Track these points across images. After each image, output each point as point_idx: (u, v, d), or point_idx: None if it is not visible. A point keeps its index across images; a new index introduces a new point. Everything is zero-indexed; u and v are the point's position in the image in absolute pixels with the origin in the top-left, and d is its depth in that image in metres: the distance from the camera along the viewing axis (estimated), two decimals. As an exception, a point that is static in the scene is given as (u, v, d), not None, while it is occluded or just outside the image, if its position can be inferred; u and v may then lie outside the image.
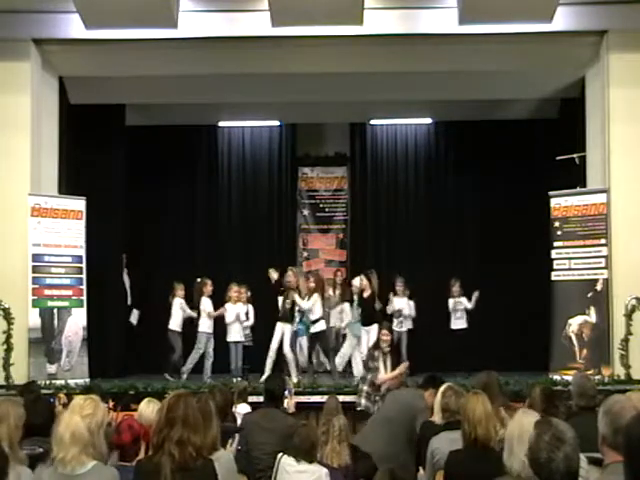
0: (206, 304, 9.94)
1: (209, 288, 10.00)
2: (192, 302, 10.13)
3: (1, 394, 7.78)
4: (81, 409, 3.44)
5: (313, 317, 9.77)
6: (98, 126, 10.49)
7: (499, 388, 5.08)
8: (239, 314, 10.00)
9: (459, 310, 10.64)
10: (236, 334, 9.96)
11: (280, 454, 4.71)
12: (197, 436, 3.29)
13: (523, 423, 3.21)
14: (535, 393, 4.93)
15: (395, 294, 10.78)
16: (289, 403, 6.83)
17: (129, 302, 11.17)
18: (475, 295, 10.55)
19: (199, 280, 10.11)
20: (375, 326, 9.34)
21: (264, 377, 8.94)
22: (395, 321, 10.69)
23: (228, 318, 9.94)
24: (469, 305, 10.63)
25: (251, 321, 10.28)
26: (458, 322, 10.65)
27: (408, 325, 10.69)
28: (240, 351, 10.00)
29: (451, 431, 4.36)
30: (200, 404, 3.71)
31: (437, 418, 5.15)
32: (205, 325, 9.89)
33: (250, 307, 10.27)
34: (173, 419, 3.26)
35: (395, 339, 10.64)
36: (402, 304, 10.70)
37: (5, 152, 9.10)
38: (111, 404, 6.00)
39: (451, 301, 10.68)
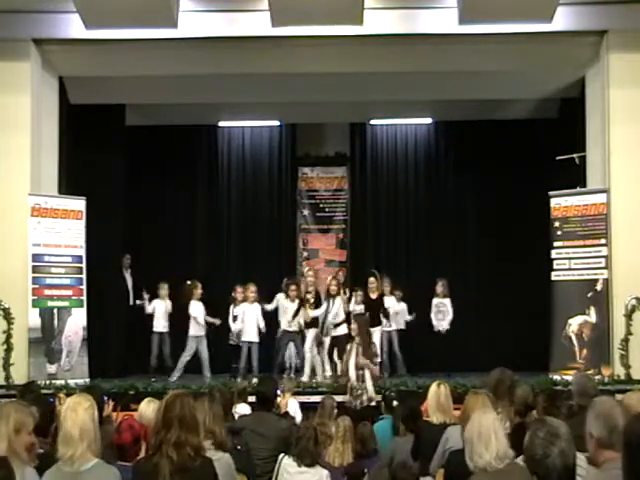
0: (195, 308, 9.91)
1: (199, 291, 9.96)
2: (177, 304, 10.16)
3: (1, 394, 7.80)
4: (80, 405, 3.46)
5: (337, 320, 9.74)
6: (98, 126, 10.48)
7: (511, 385, 5.07)
8: (257, 314, 9.96)
9: (441, 311, 10.51)
10: (253, 334, 9.91)
11: (281, 455, 4.71)
12: (195, 436, 3.29)
13: (481, 422, 3.26)
14: (518, 395, 4.90)
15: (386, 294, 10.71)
16: (281, 403, 6.80)
17: (131, 302, 11.17)
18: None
19: (189, 283, 10.06)
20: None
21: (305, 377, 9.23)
22: (384, 321, 10.63)
23: (249, 318, 9.97)
24: (450, 311, 10.48)
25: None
26: (440, 322, 10.49)
27: (398, 325, 10.63)
28: (256, 351, 9.92)
29: None
30: (205, 402, 3.72)
31: (434, 418, 5.17)
32: (194, 328, 9.86)
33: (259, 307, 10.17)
34: (170, 420, 3.26)
35: (385, 339, 10.64)
36: (390, 303, 10.55)
37: (5, 152, 9.10)
38: (111, 404, 6.00)
39: (435, 301, 10.58)
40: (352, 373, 7.86)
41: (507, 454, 3.19)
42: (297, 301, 9.73)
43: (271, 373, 9.28)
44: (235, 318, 10.11)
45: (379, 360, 7.67)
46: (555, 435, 2.65)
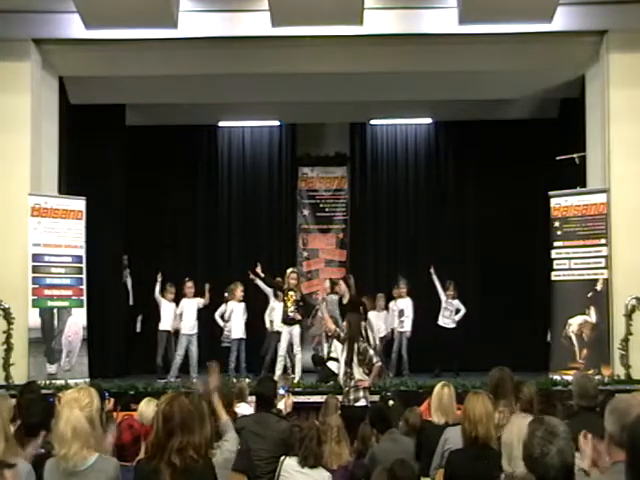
0: (183, 306, 10.09)
1: (189, 290, 10.08)
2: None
3: (1, 394, 7.79)
4: (78, 401, 3.45)
5: None
6: (98, 126, 10.48)
7: (512, 384, 5.08)
8: (244, 311, 10.35)
9: (448, 310, 10.64)
10: (240, 331, 10.23)
11: (283, 457, 4.71)
12: (195, 436, 3.29)
13: (522, 427, 3.23)
14: (524, 393, 4.89)
15: (399, 295, 10.81)
16: (286, 403, 6.78)
17: (131, 303, 11.18)
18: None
19: (187, 279, 10.24)
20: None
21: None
22: (397, 321, 10.72)
23: (236, 316, 10.29)
24: (462, 308, 10.64)
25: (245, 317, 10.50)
26: (445, 320, 10.65)
27: (409, 326, 10.69)
28: (243, 349, 10.20)
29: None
30: (194, 404, 3.71)
31: (435, 418, 5.17)
32: (184, 327, 9.99)
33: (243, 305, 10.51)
34: (171, 429, 3.24)
35: (396, 340, 10.74)
36: (404, 305, 10.73)
37: (5, 152, 9.09)
38: (112, 401, 6.01)
39: (443, 299, 10.67)
40: (341, 371, 7.88)
41: None
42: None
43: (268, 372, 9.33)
44: (229, 317, 10.36)
45: (372, 356, 7.62)
46: (553, 434, 2.65)
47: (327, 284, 10.46)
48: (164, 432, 3.24)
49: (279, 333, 9.74)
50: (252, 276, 10.08)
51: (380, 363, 7.79)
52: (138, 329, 11.25)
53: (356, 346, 7.56)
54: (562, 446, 2.62)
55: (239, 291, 10.31)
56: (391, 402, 6.31)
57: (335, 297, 10.15)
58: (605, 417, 2.90)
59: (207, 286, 10.03)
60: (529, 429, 2.73)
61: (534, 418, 2.89)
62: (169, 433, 3.23)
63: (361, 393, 7.43)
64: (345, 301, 9.84)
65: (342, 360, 7.79)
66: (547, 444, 2.62)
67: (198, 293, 10.13)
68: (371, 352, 7.65)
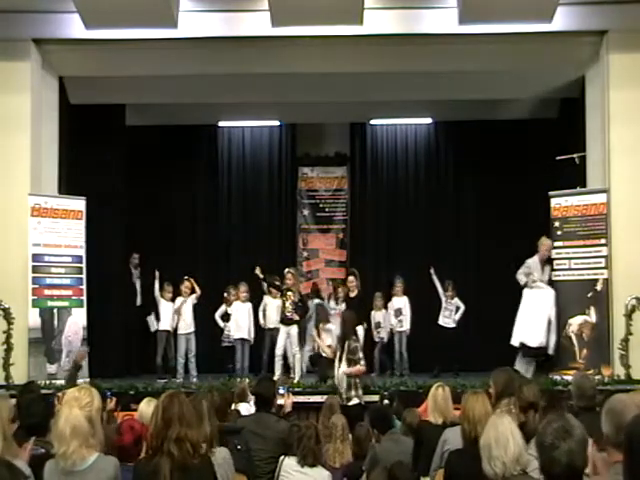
0: (178, 304, 10.12)
1: (185, 289, 10.10)
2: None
3: (1, 394, 7.78)
4: (78, 400, 3.45)
5: None
6: (98, 126, 10.47)
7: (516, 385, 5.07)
8: (249, 312, 10.29)
9: (448, 309, 10.71)
10: (245, 331, 10.20)
11: (282, 456, 4.71)
12: (193, 432, 3.32)
13: (498, 426, 3.24)
14: (525, 393, 4.88)
15: (394, 294, 10.83)
16: (286, 402, 6.79)
17: (139, 303, 11.12)
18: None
19: (186, 277, 10.26)
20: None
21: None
22: (395, 321, 10.73)
23: (240, 316, 10.27)
24: (461, 306, 10.72)
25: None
26: (445, 320, 10.71)
27: (407, 324, 10.71)
28: (247, 350, 10.17)
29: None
30: (193, 403, 3.73)
31: (432, 418, 5.18)
32: (181, 326, 10.04)
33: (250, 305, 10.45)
34: (169, 419, 3.28)
35: (396, 339, 10.76)
36: (401, 304, 10.75)
37: (5, 152, 9.09)
38: (114, 400, 6.02)
39: (443, 299, 10.74)
40: (335, 370, 7.91)
41: (524, 457, 3.17)
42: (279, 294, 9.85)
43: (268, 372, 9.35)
44: (229, 317, 10.34)
45: (361, 358, 7.66)
46: (568, 433, 2.62)
47: (327, 285, 10.51)
48: (162, 422, 3.29)
49: (271, 330, 9.79)
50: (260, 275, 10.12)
51: (364, 368, 7.82)
52: (153, 328, 10.68)
53: (347, 344, 7.58)
54: (573, 447, 2.60)
55: (242, 291, 10.28)
56: (385, 401, 6.31)
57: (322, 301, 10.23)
58: (602, 418, 2.89)
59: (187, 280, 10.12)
60: (547, 419, 2.72)
61: (555, 412, 2.88)
62: (167, 423, 3.27)
63: (353, 392, 7.45)
64: (352, 295, 9.93)
65: (336, 359, 7.84)
66: (559, 439, 2.60)
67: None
68: (361, 354, 7.67)
